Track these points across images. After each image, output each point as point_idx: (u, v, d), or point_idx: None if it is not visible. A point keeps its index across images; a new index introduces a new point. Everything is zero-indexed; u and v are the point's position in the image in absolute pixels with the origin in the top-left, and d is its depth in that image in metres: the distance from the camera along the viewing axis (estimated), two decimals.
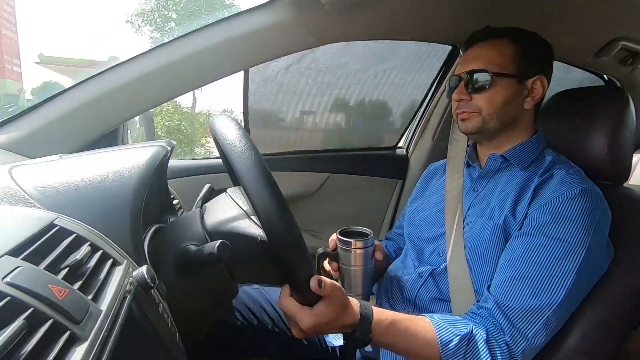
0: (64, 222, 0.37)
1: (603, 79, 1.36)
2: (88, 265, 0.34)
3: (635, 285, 0.68)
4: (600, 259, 0.67)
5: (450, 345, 0.60)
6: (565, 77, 1.36)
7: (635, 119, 0.81)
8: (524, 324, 0.62)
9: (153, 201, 0.73)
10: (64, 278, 0.30)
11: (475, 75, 0.75)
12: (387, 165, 1.45)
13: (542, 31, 0.79)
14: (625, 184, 0.85)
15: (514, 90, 0.75)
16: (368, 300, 0.79)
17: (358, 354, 0.82)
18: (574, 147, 0.80)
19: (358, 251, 0.73)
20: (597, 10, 0.97)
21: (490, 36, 0.78)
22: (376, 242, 0.79)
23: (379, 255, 0.78)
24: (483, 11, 0.95)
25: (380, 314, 0.60)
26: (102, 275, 0.34)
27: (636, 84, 1.32)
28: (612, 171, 0.79)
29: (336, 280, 0.75)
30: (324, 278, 0.53)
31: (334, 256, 0.75)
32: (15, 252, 0.30)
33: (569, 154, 0.78)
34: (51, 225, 0.35)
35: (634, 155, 1.34)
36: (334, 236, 0.76)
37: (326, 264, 0.78)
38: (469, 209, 0.80)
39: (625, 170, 0.81)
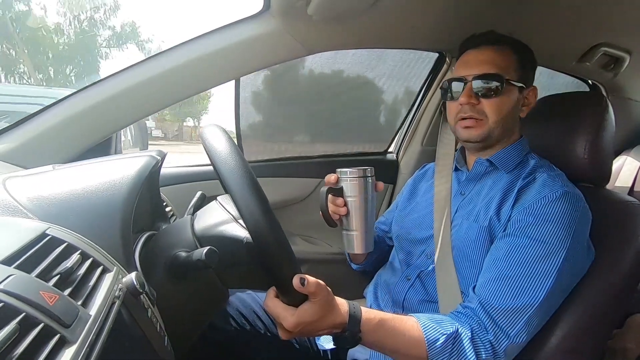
0: (56, 231, 0.39)
1: (588, 84, 1.39)
2: (78, 273, 0.35)
3: (615, 285, 0.70)
4: (581, 259, 0.69)
5: (437, 344, 0.62)
6: (552, 82, 1.39)
7: (617, 124, 0.84)
8: (506, 323, 0.64)
9: (145, 209, 0.74)
10: (55, 285, 0.32)
11: (488, 80, 0.74)
12: (378, 170, 1.45)
13: (527, 38, 0.82)
14: (609, 187, 0.87)
15: (517, 99, 0.77)
16: (373, 237, 0.77)
17: (348, 357, 0.83)
18: (557, 151, 0.82)
19: (360, 179, 0.72)
20: (579, 18, 1.00)
21: (495, 41, 0.77)
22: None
23: (380, 186, 0.75)
24: (469, 19, 0.97)
25: (369, 313, 0.62)
26: (92, 282, 0.36)
27: (619, 89, 1.35)
28: (593, 174, 0.81)
29: (344, 216, 0.73)
30: (307, 276, 0.53)
31: (337, 191, 0.73)
32: (8, 261, 0.31)
33: (552, 158, 0.80)
34: (43, 235, 0.37)
35: (618, 158, 1.40)
36: (330, 174, 0.74)
37: (330, 205, 0.74)
38: (456, 211, 0.81)
39: (606, 173, 0.83)
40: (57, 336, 0.28)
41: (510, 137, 0.80)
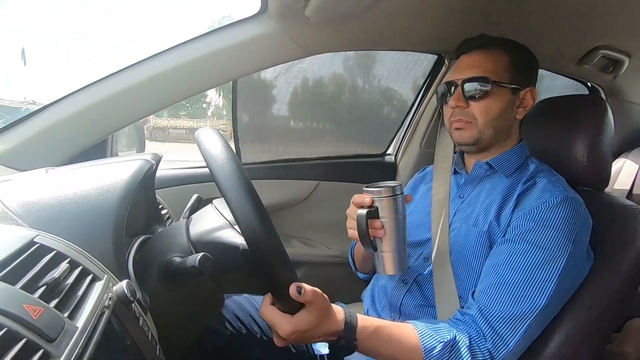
0: (45, 239, 0.38)
1: (587, 86, 1.39)
2: (66, 282, 0.34)
3: (614, 290, 0.70)
4: (581, 265, 0.68)
5: (434, 352, 0.61)
6: (552, 84, 1.39)
7: (616, 126, 0.83)
8: (505, 330, 0.63)
9: (140, 212, 0.73)
10: (41, 296, 0.31)
11: (474, 83, 0.75)
12: (376, 172, 1.46)
13: (526, 40, 0.81)
14: (607, 189, 0.86)
15: (508, 101, 0.76)
16: (407, 257, 0.73)
17: None
18: (556, 154, 0.81)
19: (396, 197, 0.68)
20: (579, 20, 0.99)
21: (485, 45, 0.79)
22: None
23: (409, 198, 0.73)
24: (468, 21, 0.97)
25: (365, 320, 0.61)
26: (80, 292, 0.35)
27: (618, 92, 1.35)
28: (593, 178, 0.81)
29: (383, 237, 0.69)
30: (304, 285, 0.53)
31: (375, 212, 0.68)
32: None
33: (551, 161, 0.80)
34: (31, 243, 0.36)
35: (617, 160, 1.39)
36: (359, 196, 0.71)
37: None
38: (454, 214, 0.81)
39: (605, 177, 0.82)
40: (41, 351, 0.27)
41: (507, 139, 0.79)
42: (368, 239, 0.69)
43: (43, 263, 0.34)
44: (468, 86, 0.75)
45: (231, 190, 0.48)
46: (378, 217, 0.69)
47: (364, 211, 0.67)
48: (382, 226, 0.69)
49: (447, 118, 0.81)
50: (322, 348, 0.85)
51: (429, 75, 1.31)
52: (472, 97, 0.75)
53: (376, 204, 0.69)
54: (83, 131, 0.89)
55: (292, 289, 0.52)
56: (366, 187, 0.70)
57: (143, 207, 0.75)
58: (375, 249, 0.71)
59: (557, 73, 1.27)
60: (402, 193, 0.70)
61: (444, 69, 1.24)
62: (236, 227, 0.60)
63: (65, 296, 0.33)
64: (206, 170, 1.19)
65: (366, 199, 0.69)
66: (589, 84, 1.37)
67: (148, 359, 0.41)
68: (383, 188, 0.69)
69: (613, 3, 0.92)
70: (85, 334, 0.31)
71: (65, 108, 0.87)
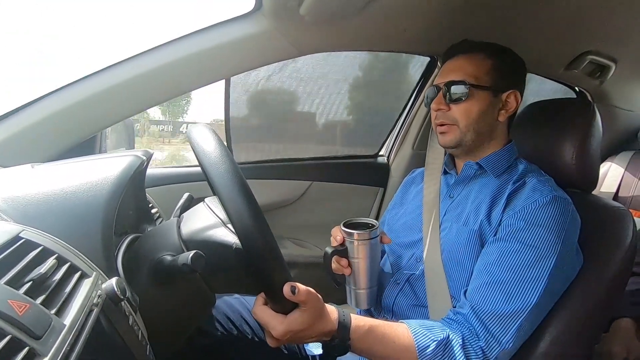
0: (30, 234, 0.36)
1: (575, 91, 1.42)
2: (53, 279, 0.33)
3: (603, 289, 0.71)
4: (570, 264, 0.69)
5: (428, 350, 0.61)
6: (540, 88, 1.41)
7: (603, 130, 0.85)
8: (498, 329, 0.63)
9: (129, 211, 0.72)
10: (27, 292, 0.30)
11: (453, 87, 0.77)
12: (369, 173, 1.47)
13: (516, 44, 0.82)
14: (594, 192, 0.88)
15: (488, 103, 0.78)
16: (377, 294, 0.78)
17: None
18: (545, 156, 0.83)
19: (365, 242, 0.71)
20: (567, 26, 1.02)
21: (468, 50, 0.81)
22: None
23: (386, 240, 0.77)
24: (459, 24, 0.98)
25: (358, 320, 0.61)
26: (68, 289, 0.34)
27: (605, 96, 1.38)
28: (581, 179, 0.82)
29: (349, 277, 0.74)
30: (298, 284, 0.52)
31: (342, 252, 0.72)
32: None
33: (540, 163, 0.81)
34: (16, 238, 0.35)
35: (604, 164, 1.42)
36: (336, 230, 0.75)
37: (334, 264, 0.75)
38: (445, 214, 0.81)
39: (593, 179, 0.84)
40: (26, 349, 0.26)
41: (491, 141, 0.80)
42: (331, 275, 0.75)
43: (29, 259, 0.33)
44: (447, 90, 0.78)
45: (225, 187, 0.47)
46: (347, 256, 0.73)
47: (330, 250, 0.72)
48: (349, 265, 0.73)
49: (433, 121, 0.83)
50: (315, 348, 0.84)
51: (422, 77, 1.32)
52: (453, 101, 0.77)
53: (347, 244, 0.72)
54: (71, 128, 0.86)
55: (286, 289, 0.51)
56: (344, 223, 0.74)
57: (132, 206, 0.73)
58: (338, 284, 0.76)
59: (546, 77, 1.30)
60: (376, 237, 0.73)
61: (436, 70, 1.25)
62: (229, 225, 0.59)
63: (52, 293, 0.32)
64: (197, 169, 1.18)
65: (337, 237, 0.73)
66: (576, 88, 1.40)
67: (138, 358, 0.40)
68: (357, 232, 0.71)
69: (601, 10, 0.94)
70: (73, 331, 0.30)
71: (52, 104, 0.85)
